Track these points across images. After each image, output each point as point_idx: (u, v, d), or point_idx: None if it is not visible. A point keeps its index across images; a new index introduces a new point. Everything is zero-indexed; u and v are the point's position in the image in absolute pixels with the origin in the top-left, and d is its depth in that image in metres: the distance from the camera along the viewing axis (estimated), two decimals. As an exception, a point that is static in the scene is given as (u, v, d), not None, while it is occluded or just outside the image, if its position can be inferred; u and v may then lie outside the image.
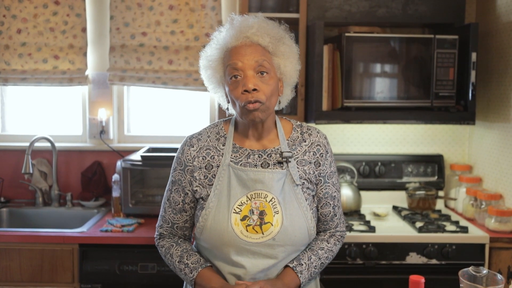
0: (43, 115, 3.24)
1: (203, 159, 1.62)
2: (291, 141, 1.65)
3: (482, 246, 2.45)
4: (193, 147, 1.65)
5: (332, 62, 2.65)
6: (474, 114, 2.63)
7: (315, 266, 1.63)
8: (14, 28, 3.03)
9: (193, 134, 1.70)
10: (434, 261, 2.44)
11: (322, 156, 1.64)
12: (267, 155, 1.61)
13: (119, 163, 2.85)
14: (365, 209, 2.88)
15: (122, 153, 3.05)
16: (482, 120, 2.88)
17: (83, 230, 2.56)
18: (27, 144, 2.88)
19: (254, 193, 1.55)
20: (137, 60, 3.02)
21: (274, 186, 1.55)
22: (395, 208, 2.94)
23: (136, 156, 2.78)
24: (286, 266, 1.60)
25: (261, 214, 1.54)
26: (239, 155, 1.61)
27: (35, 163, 3.06)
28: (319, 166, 1.63)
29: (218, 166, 1.61)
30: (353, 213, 2.80)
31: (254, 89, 1.50)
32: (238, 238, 1.53)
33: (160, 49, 3.01)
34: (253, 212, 1.54)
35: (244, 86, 1.50)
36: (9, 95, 3.24)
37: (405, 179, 3.03)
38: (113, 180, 2.82)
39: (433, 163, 3.04)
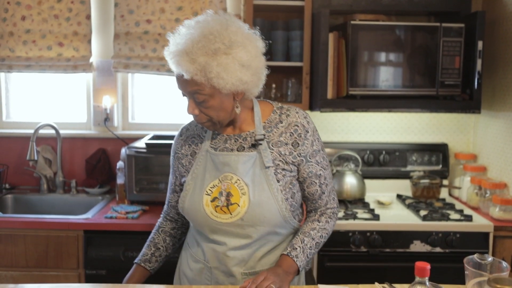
0: (48, 102, 3.24)
1: (189, 147, 1.71)
2: (268, 123, 1.65)
3: (486, 234, 2.45)
4: (181, 136, 1.76)
5: (337, 50, 2.64)
6: (479, 103, 2.62)
7: (310, 247, 1.64)
8: (19, 15, 3.02)
9: (186, 123, 1.79)
10: (438, 249, 2.44)
11: (301, 136, 1.63)
12: (243, 139, 1.64)
13: (123, 150, 2.85)
14: (369, 198, 2.89)
15: (127, 141, 3.05)
16: (487, 109, 2.87)
17: (88, 216, 2.57)
18: (32, 131, 2.89)
19: (224, 176, 1.61)
20: (141, 48, 3.01)
21: (239, 168, 1.59)
22: (399, 196, 2.94)
23: (141, 144, 2.78)
24: (282, 254, 1.63)
25: (228, 195, 1.58)
26: (218, 141, 1.67)
27: (39, 150, 3.07)
28: (298, 146, 1.63)
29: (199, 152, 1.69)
30: (357, 201, 2.80)
31: (195, 114, 1.56)
32: (210, 219, 1.60)
33: (165, 37, 2.98)
34: (222, 194, 1.59)
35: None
36: (14, 82, 3.24)
37: (409, 168, 3.03)
38: (117, 167, 2.83)
39: (437, 152, 3.04)
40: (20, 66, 3.05)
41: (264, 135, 1.62)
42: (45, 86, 3.23)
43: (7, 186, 3.08)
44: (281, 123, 1.64)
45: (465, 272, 1.48)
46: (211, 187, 1.61)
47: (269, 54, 2.86)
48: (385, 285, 1.46)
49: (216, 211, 1.59)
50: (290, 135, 1.63)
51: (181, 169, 1.72)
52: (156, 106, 3.22)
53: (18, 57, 3.05)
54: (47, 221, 2.51)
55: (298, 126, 1.64)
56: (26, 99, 3.25)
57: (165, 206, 1.86)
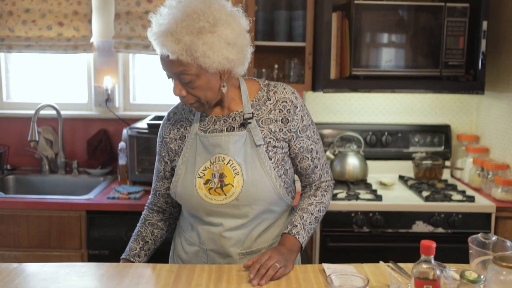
0: (48, 83, 3.22)
1: (177, 131, 1.68)
2: (256, 101, 1.63)
3: (488, 215, 2.46)
4: (169, 120, 1.71)
5: (340, 30, 2.61)
6: (483, 83, 2.61)
7: (310, 222, 1.65)
8: (18, -7, 2.98)
9: (172, 108, 1.75)
10: (440, 230, 2.45)
11: (290, 112, 1.61)
12: (232, 119, 1.62)
13: (125, 131, 2.84)
14: (371, 179, 2.89)
15: (128, 121, 3.04)
16: (490, 90, 2.85)
17: (90, 197, 2.57)
18: (32, 112, 2.87)
19: (215, 157, 1.58)
20: (142, 28, 2.98)
21: (230, 148, 1.57)
22: (401, 177, 2.94)
23: (142, 124, 2.77)
24: (283, 233, 1.63)
25: (221, 176, 1.57)
26: (207, 123, 1.64)
27: (40, 131, 3.05)
28: (288, 122, 1.61)
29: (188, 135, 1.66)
30: (360, 182, 2.80)
31: (182, 96, 1.52)
32: (204, 201, 1.58)
33: (166, 16, 2.96)
34: (214, 176, 1.57)
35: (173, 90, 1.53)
36: (14, 62, 3.22)
37: (411, 149, 3.02)
38: (119, 148, 2.82)
39: (440, 133, 3.03)
40: (20, 46, 3.02)
41: (252, 113, 1.60)
42: (45, 66, 3.20)
43: (8, 167, 3.08)
44: (269, 100, 1.62)
45: (469, 251, 1.48)
46: (203, 170, 1.59)
47: (271, 34, 2.85)
48: (390, 264, 1.46)
49: (210, 193, 1.57)
50: (279, 112, 1.61)
51: (170, 154, 1.69)
52: (157, 86, 3.20)
53: (17, 37, 3.02)
54: (50, 201, 2.51)
55: (286, 102, 1.61)
56: (26, 80, 3.23)
57: (151, 197, 1.80)
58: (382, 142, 3.01)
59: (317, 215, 1.68)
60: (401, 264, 1.52)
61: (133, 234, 1.78)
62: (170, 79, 1.55)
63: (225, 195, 1.57)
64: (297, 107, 1.62)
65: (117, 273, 1.51)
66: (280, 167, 1.61)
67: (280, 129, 1.60)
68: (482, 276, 1.21)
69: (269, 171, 1.58)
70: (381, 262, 1.49)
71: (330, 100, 3.07)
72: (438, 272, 1.22)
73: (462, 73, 2.61)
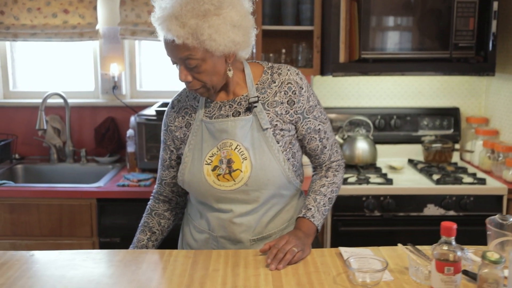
0: (55, 71, 3.20)
1: (182, 118, 1.65)
2: (261, 85, 1.60)
3: (500, 197, 2.45)
4: (173, 108, 1.69)
5: (349, 13, 2.59)
6: (494, 65, 2.58)
7: (324, 204, 1.64)
8: (22, -19, 2.96)
9: (176, 95, 1.73)
10: (451, 213, 2.44)
11: (295, 93, 1.58)
12: (237, 104, 1.59)
13: (133, 119, 2.83)
14: (380, 163, 2.88)
15: (135, 109, 3.03)
16: (500, 72, 2.82)
17: (100, 185, 2.57)
18: (39, 100, 2.86)
19: (222, 143, 1.56)
20: (148, 14, 2.95)
21: (237, 133, 1.55)
22: (410, 161, 2.93)
23: (151, 111, 2.76)
24: (298, 217, 1.63)
25: (229, 162, 1.55)
26: (212, 108, 1.61)
27: (48, 119, 3.04)
28: (294, 104, 1.58)
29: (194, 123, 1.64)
30: (369, 166, 2.79)
31: (188, 81, 1.50)
32: (213, 188, 1.56)
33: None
34: (222, 162, 1.55)
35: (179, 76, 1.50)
36: (19, 51, 3.20)
37: (420, 133, 3.01)
38: (127, 135, 2.81)
39: (449, 116, 3.01)
40: (25, 34, 3.00)
41: (258, 96, 1.57)
42: (51, 54, 3.18)
43: (16, 156, 3.08)
44: (274, 82, 1.60)
45: (488, 233, 1.48)
46: (210, 156, 1.57)
47: (279, 18, 2.82)
48: (408, 246, 1.45)
49: (218, 180, 1.56)
50: (285, 94, 1.58)
51: (176, 142, 1.66)
52: (163, 73, 3.18)
53: (23, 25, 3.00)
54: (60, 190, 2.50)
55: (291, 84, 1.59)
56: (32, 69, 3.21)
57: (156, 186, 1.78)
58: (391, 126, 3.00)
59: (330, 196, 1.68)
60: (420, 247, 1.51)
61: (139, 225, 1.76)
62: (175, 65, 1.52)
63: (234, 180, 1.55)
64: (302, 88, 1.60)
65: (134, 259, 1.51)
66: (288, 150, 1.59)
67: (286, 111, 1.58)
68: (503, 257, 1.20)
69: (277, 155, 1.56)
70: (399, 245, 1.48)
71: (338, 85, 3.05)
72: (459, 253, 1.21)
73: (472, 55, 2.59)
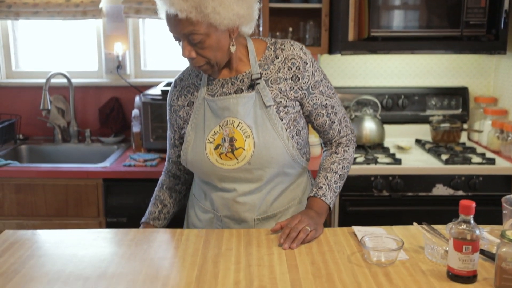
0: (58, 50, 3.16)
1: (185, 97, 1.63)
2: (264, 61, 1.56)
3: (509, 177, 2.43)
4: (176, 87, 1.67)
5: (358, -10, 2.54)
6: (505, 43, 2.54)
7: (335, 181, 1.62)
8: (23, -42, 2.90)
9: (179, 74, 1.70)
10: (460, 193, 2.43)
11: (299, 69, 1.54)
12: (240, 81, 1.56)
13: (138, 98, 2.80)
14: (388, 143, 2.85)
15: (140, 89, 2.99)
16: (510, 51, 2.78)
17: (106, 165, 2.55)
18: (42, 80, 2.82)
19: (224, 121, 1.54)
20: (152, -9, 2.91)
21: (240, 111, 1.52)
22: (418, 141, 2.90)
23: (156, 91, 2.72)
24: (309, 196, 1.61)
25: (231, 140, 1.53)
26: (214, 86, 1.58)
27: (52, 99, 3.01)
28: (298, 80, 1.54)
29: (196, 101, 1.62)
30: (377, 146, 2.77)
31: (191, 57, 1.46)
32: (215, 167, 1.54)
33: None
34: (224, 140, 1.53)
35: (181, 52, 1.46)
36: (21, 30, 3.15)
37: (428, 112, 2.98)
38: (133, 115, 2.78)
39: (457, 96, 2.98)
40: (28, 12, 2.95)
41: (260, 73, 1.54)
42: (54, 33, 3.14)
43: (20, 136, 3.05)
44: (277, 58, 1.56)
45: (503, 212, 1.45)
46: (212, 135, 1.55)
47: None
48: (423, 225, 1.43)
49: (221, 158, 1.54)
50: (289, 70, 1.55)
51: (179, 121, 1.64)
52: (168, 52, 3.14)
53: (24, 3, 2.95)
54: (66, 170, 2.48)
55: (295, 59, 1.55)
56: (35, 48, 3.17)
57: (166, 163, 1.79)
58: (398, 106, 2.97)
59: (341, 172, 1.65)
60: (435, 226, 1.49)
61: (151, 199, 1.77)
62: (178, 41, 1.48)
63: (237, 159, 1.53)
64: (306, 63, 1.56)
65: (145, 238, 1.49)
66: (292, 127, 1.56)
67: (290, 88, 1.55)
68: (522, 235, 1.18)
69: (281, 132, 1.53)
70: (414, 224, 1.46)
71: (345, 64, 3.01)
72: (477, 232, 1.19)
73: (483, 33, 2.55)
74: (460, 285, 1.20)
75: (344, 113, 1.68)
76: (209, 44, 1.43)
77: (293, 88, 1.55)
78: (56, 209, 2.50)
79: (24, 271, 1.29)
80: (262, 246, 1.42)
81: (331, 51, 2.72)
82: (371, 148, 2.73)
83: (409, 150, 2.75)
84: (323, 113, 1.62)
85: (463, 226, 1.20)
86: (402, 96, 2.96)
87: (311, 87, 1.57)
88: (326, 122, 1.64)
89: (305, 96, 1.57)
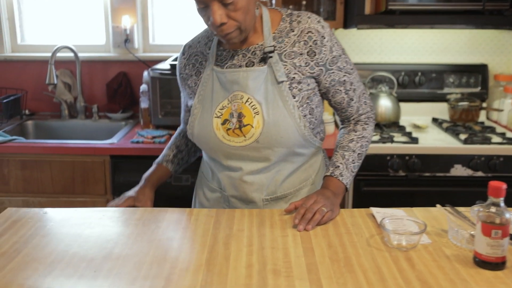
0: (64, 24, 3.07)
1: (192, 66, 1.56)
2: (278, 33, 1.47)
3: (530, 158, 2.34)
4: (184, 55, 1.60)
5: (376, -40, 2.42)
6: (530, 17, 2.42)
7: (353, 160, 1.54)
8: None
9: (189, 40, 1.62)
10: (480, 174, 2.34)
11: (317, 43, 1.44)
12: (251, 53, 1.47)
13: (146, 73, 2.72)
14: (404, 121, 2.76)
15: (148, 63, 2.91)
16: (534, 26, 2.67)
17: (113, 141, 2.48)
18: (48, 54, 2.74)
19: (233, 95, 1.45)
20: (161, -38, 2.80)
21: (249, 85, 1.43)
22: (435, 120, 2.81)
23: (165, 65, 2.64)
24: (325, 176, 1.54)
25: (240, 116, 1.44)
26: (224, 57, 1.50)
27: (58, 74, 2.94)
28: (315, 55, 1.45)
29: (204, 71, 1.54)
30: (392, 124, 2.68)
31: (222, 23, 1.34)
32: (222, 143, 1.47)
33: (186, -51, 2.78)
34: (232, 115, 1.45)
35: (209, 20, 1.35)
36: (27, 2, 3.06)
37: (446, 90, 2.88)
38: (141, 90, 2.71)
39: (476, 73, 2.87)
40: (33, -16, 2.86)
41: (274, 46, 1.44)
42: (60, 6, 3.05)
43: (27, 112, 2.99)
44: (293, 31, 1.46)
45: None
46: (220, 109, 1.46)
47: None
48: (447, 207, 1.35)
49: (228, 135, 1.46)
50: (305, 44, 1.45)
51: (188, 90, 1.58)
52: (177, 26, 3.05)
53: (30, -26, 2.86)
54: (73, 146, 2.42)
55: (312, 33, 1.45)
56: (41, 21, 3.08)
57: (182, 124, 1.76)
58: (415, 83, 2.87)
59: (359, 151, 1.57)
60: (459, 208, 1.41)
61: (168, 144, 1.77)
62: (203, 8, 1.36)
63: (244, 136, 1.45)
64: (324, 37, 1.46)
65: (153, 217, 1.42)
66: (305, 105, 1.47)
67: (306, 63, 1.45)
68: (556, 220, 1.10)
69: (292, 111, 1.44)
70: (437, 206, 1.38)
71: (360, 39, 2.91)
72: (507, 215, 1.11)
73: (506, 7, 2.42)
74: (488, 272, 1.12)
75: (363, 89, 1.59)
76: (241, 5, 1.34)
77: (308, 64, 1.46)
78: (62, 186, 2.44)
79: (26, 251, 1.23)
80: (275, 228, 1.35)
81: (346, 25, 2.61)
82: (386, 126, 2.64)
83: (426, 129, 2.66)
84: (341, 90, 1.53)
85: (492, 209, 1.12)
86: (419, 73, 2.86)
87: (329, 62, 1.48)
88: (344, 99, 1.55)
89: (322, 72, 1.48)
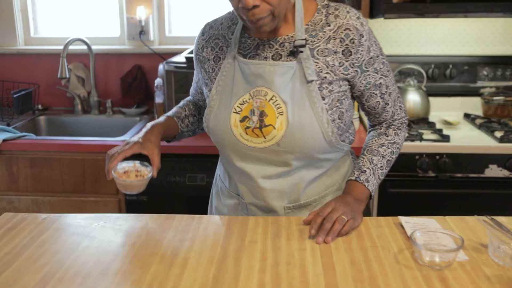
0: (78, 15, 2.97)
1: (211, 50, 1.42)
2: (312, 26, 1.31)
3: None
4: (203, 35, 1.46)
5: None
6: None
7: (381, 166, 1.41)
8: None
9: (211, 20, 1.48)
10: (517, 175, 2.16)
11: (354, 42, 1.30)
12: (280, 45, 1.31)
13: (161, 66, 2.60)
14: (433, 117, 2.59)
15: (164, 56, 2.79)
16: None
17: (126, 138, 2.37)
18: (62, 47, 2.64)
19: (256, 90, 1.31)
20: (177, -50, 2.67)
21: (275, 81, 1.29)
22: (467, 116, 2.62)
23: (181, 58, 2.51)
24: (348, 180, 1.40)
25: (261, 115, 1.30)
26: (248, 45, 1.35)
27: (71, 67, 2.84)
28: (351, 55, 1.30)
29: (225, 59, 1.38)
30: (421, 120, 2.51)
31: (255, 6, 1.19)
32: (238, 142, 1.34)
33: None
34: (253, 113, 1.31)
35: (241, 2, 1.19)
36: (40, -7, 2.98)
37: (479, 84, 2.69)
38: (155, 84, 2.59)
39: (512, 66, 2.68)
40: (45, -26, 2.76)
41: (306, 40, 1.30)
42: (73, -3, 2.95)
43: (39, 107, 2.90)
44: (328, 25, 1.31)
45: None
46: (240, 104, 1.32)
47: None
48: (486, 219, 1.20)
49: (246, 133, 1.31)
50: (341, 42, 1.30)
51: (204, 75, 1.44)
52: (194, 17, 2.92)
53: (42, -36, 2.76)
54: (83, 143, 2.32)
55: (350, 30, 1.30)
56: (54, 13, 2.99)
57: (190, 97, 1.65)
58: (446, 76, 2.69)
59: (389, 158, 1.43)
60: (500, 218, 1.25)
61: (179, 104, 1.62)
62: None
63: (264, 137, 1.30)
64: (363, 36, 1.31)
65: (158, 226, 1.30)
66: (334, 109, 1.32)
67: (340, 63, 1.31)
68: None
69: (320, 114, 1.30)
70: (476, 217, 1.23)
71: (387, 29, 2.74)
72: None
73: (548, -7, 2.24)
74: (537, 298, 0.97)
75: (397, 92, 1.45)
76: None
77: (342, 64, 1.31)
78: (73, 185, 2.34)
79: (18, 264, 1.12)
80: (292, 239, 1.21)
81: (372, 14, 2.45)
82: (414, 123, 2.48)
83: (458, 126, 2.48)
84: (376, 94, 1.39)
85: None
86: (450, 65, 2.68)
87: (365, 64, 1.33)
88: (379, 103, 1.41)
89: (357, 74, 1.33)
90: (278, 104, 1.29)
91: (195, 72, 1.54)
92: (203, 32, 1.46)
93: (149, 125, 1.46)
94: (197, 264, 1.10)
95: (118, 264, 1.11)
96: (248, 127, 1.32)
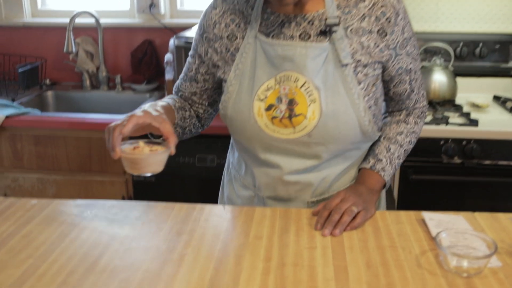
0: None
1: (225, 26, 1.24)
2: (344, 1, 1.17)
3: None
4: (216, 9, 1.26)
5: None
6: None
7: (398, 156, 1.29)
8: None
9: None
10: (551, 163, 2.01)
11: (390, 21, 1.16)
12: (308, 23, 1.16)
13: (172, 41, 2.47)
14: (461, 99, 2.42)
15: (176, 30, 2.65)
16: None
17: (133, 116, 2.26)
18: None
19: (283, 75, 1.16)
20: None
21: (308, 65, 1.14)
22: (497, 98, 2.45)
23: (192, 33, 2.38)
24: (362, 168, 1.28)
25: (291, 103, 1.15)
26: (271, 22, 1.18)
27: (79, 42, 2.73)
28: (386, 35, 1.17)
29: (244, 38, 1.21)
30: (447, 103, 2.35)
31: None
32: (263, 133, 1.20)
33: None
34: (281, 100, 1.17)
35: None
36: (48, -37, 2.86)
37: (511, 64, 2.51)
38: (165, 60, 2.47)
39: (548, 44, 2.49)
40: None
41: (339, 18, 1.15)
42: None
43: (47, 82, 2.80)
44: (363, 1, 1.16)
45: None
46: (264, 90, 1.17)
47: None
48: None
49: (273, 124, 1.17)
50: (376, 20, 1.15)
51: (214, 57, 1.26)
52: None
53: None
54: (89, 121, 2.22)
55: (386, 7, 1.15)
56: (63, -17, 2.88)
57: (174, 91, 1.40)
58: (475, 55, 2.51)
59: (407, 147, 1.32)
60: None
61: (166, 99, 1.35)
62: None
63: (294, 128, 1.17)
64: (399, 15, 1.16)
65: (155, 217, 1.19)
66: (371, 95, 1.20)
67: (375, 44, 1.17)
68: None
69: (357, 101, 1.16)
70: (510, 218, 1.09)
71: (412, 4, 2.57)
72: None
73: None
74: None
75: (421, 79, 1.32)
76: None
77: (378, 45, 1.17)
78: (78, 164, 2.25)
79: (-2, 257, 1.02)
80: (302, 235, 1.09)
81: (397, -13, 2.28)
82: (440, 105, 2.31)
83: (487, 109, 2.32)
84: (405, 80, 1.26)
85: None
86: (480, 44, 2.50)
87: (399, 46, 1.19)
88: (406, 90, 1.28)
89: (391, 57, 1.20)
90: (310, 91, 1.15)
91: (189, 60, 1.34)
92: (215, 6, 1.27)
93: (148, 103, 1.26)
94: (193, 263, 0.99)
95: (106, 259, 1.00)
96: (275, 117, 1.17)
